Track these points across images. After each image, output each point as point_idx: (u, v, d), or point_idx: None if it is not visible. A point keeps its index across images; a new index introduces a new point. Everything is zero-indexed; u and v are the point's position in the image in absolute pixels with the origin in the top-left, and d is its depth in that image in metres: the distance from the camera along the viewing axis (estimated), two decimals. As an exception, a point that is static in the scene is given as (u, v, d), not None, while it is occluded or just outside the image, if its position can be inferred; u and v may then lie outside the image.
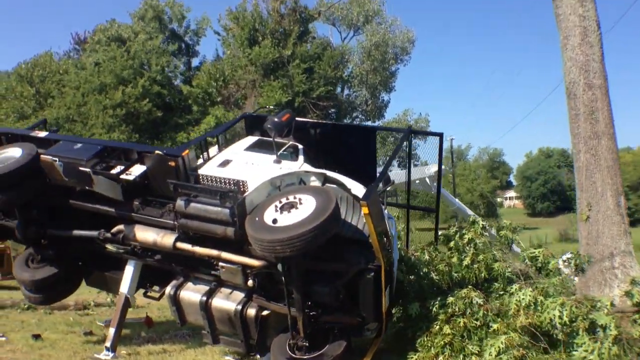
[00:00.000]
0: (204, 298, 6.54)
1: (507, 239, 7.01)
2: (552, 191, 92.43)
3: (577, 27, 8.79)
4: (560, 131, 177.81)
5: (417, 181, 9.75)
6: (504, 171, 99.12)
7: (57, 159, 6.53)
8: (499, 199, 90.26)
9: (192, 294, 6.67)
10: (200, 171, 6.61)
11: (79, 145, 7.17)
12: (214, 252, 6.17)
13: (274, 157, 6.88)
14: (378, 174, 7.81)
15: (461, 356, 5.82)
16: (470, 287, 6.33)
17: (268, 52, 33.68)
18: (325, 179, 6.31)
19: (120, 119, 32.23)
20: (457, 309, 6.11)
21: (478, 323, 5.95)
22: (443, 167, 18.52)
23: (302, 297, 5.72)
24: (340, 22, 46.29)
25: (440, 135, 7.77)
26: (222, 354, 7.92)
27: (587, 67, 8.67)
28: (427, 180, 16.28)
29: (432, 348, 5.97)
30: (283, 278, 5.69)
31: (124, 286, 7.32)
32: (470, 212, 22.28)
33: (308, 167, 6.77)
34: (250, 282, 6.12)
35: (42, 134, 7.76)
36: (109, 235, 7.03)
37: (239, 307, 6.35)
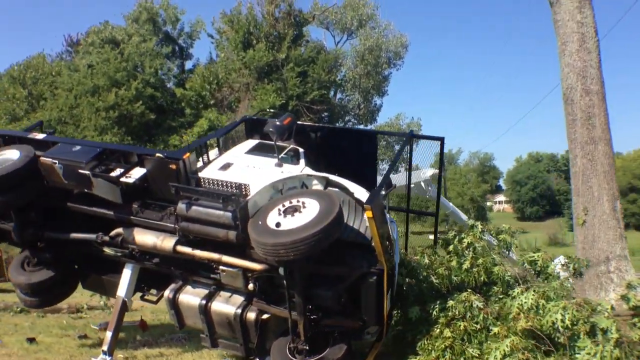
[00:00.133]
0: (204, 302, 6.50)
1: (506, 243, 7.04)
2: (541, 195, 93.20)
3: (575, 34, 8.90)
4: (550, 136, 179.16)
5: (412, 185, 9.74)
6: (494, 175, 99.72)
7: (57, 162, 6.47)
8: (488, 203, 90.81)
9: (191, 297, 6.63)
10: (201, 174, 6.59)
11: (78, 147, 7.12)
12: (214, 256, 6.15)
13: (275, 160, 6.87)
14: (378, 178, 7.84)
15: (462, 359, 5.84)
16: (469, 290, 6.35)
17: (262, 55, 33.74)
18: (328, 183, 6.31)
19: (113, 122, 32.13)
20: (457, 313, 6.12)
21: (478, 326, 5.96)
22: (437, 171, 18.61)
23: (304, 301, 5.71)
24: (334, 26, 46.43)
25: (442, 139, 7.80)
26: (219, 357, 7.90)
27: (584, 73, 8.78)
28: (422, 184, 16.35)
29: (433, 351, 5.98)
30: (285, 282, 5.67)
31: (122, 289, 7.27)
32: (464, 216, 22.33)
33: (310, 171, 6.77)
34: (250, 286, 6.08)
35: (40, 136, 7.71)
36: (107, 238, 6.98)
37: (239, 310, 6.31)
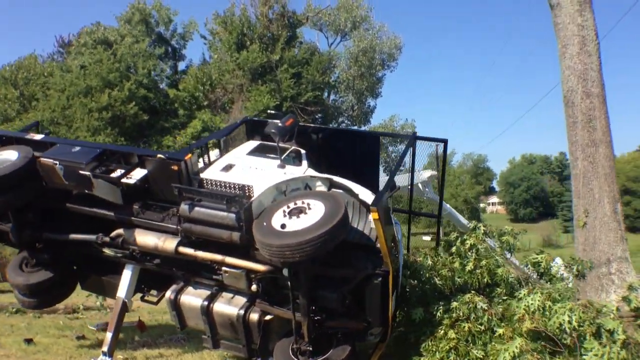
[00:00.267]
0: (206, 303, 6.47)
1: (509, 245, 7.05)
2: (534, 197, 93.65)
3: (575, 36, 8.92)
4: (544, 138, 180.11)
5: (410, 187, 9.78)
6: (488, 177, 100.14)
7: (57, 163, 6.41)
8: (482, 205, 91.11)
9: (193, 298, 6.60)
10: (203, 175, 6.55)
11: (77, 148, 7.06)
12: (217, 257, 6.11)
13: (277, 161, 6.85)
14: (380, 180, 7.83)
15: (466, 360, 5.84)
16: (473, 292, 6.35)
17: (256, 56, 33.60)
18: (331, 184, 6.29)
19: (106, 122, 31.92)
20: (461, 314, 6.13)
21: (482, 328, 5.97)
22: (435, 172, 18.63)
23: (308, 302, 5.68)
24: (328, 27, 46.32)
25: (445, 141, 7.81)
26: (220, 358, 7.87)
27: (585, 76, 8.81)
28: (420, 185, 16.40)
29: (437, 352, 5.98)
30: (289, 283, 5.64)
31: (122, 290, 7.22)
32: (461, 217, 22.41)
33: (313, 172, 6.75)
34: (254, 287, 6.06)
35: (38, 136, 7.64)
36: (107, 239, 6.93)
37: (242, 311, 6.29)
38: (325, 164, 7.46)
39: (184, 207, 5.96)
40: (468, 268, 6.70)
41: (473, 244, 6.94)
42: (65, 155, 6.78)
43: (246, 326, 6.30)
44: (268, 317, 6.29)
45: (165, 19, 40.34)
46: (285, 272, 5.64)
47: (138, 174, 6.74)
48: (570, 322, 5.12)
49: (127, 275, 7.24)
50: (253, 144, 7.66)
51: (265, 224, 5.37)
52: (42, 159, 6.56)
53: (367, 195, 6.02)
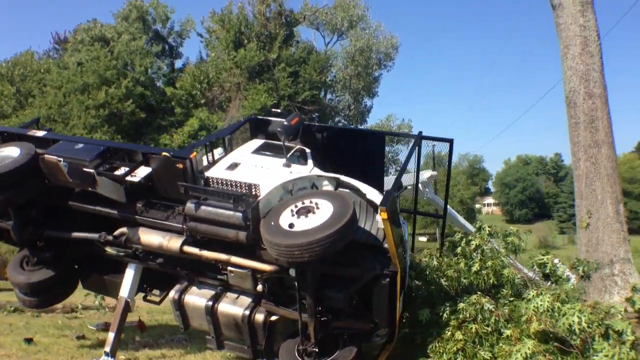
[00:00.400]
0: (210, 303, 6.42)
1: (514, 245, 7.03)
2: (530, 198, 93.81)
3: (577, 37, 8.93)
4: (540, 139, 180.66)
5: (410, 186, 9.72)
6: (483, 178, 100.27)
7: (62, 159, 6.36)
8: (477, 205, 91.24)
9: (197, 298, 6.55)
10: (208, 174, 6.52)
11: (81, 145, 7.02)
12: (223, 256, 6.07)
13: (282, 160, 6.81)
14: (385, 180, 7.80)
15: (474, 361, 5.83)
16: (479, 293, 6.33)
17: (253, 55, 33.55)
18: (338, 184, 6.26)
19: (103, 120, 31.79)
20: (468, 315, 6.11)
21: (489, 329, 5.96)
22: (435, 172, 18.64)
23: (315, 303, 5.65)
24: (324, 26, 46.26)
25: (451, 141, 7.79)
26: (223, 359, 7.83)
27: (587, 77, 8.82)
28: (420, 185, 16.36)
29: (445, 354, 5.96)
30: (296, 283, 5.60)
31: (124, 290, 7.15)
32: (461, 218, 22.40)
33: (319, 171, 6.72)
34: (259, 287, 6.02)
35: (40, 133, 7.60)
36: (110, 237, 6.87)
37: (247, 312, 6.24)
38: (329, 163, 7.42)
39: (189, 205, 5.92)
40: (474, 269, 6.68)
41: (478, 244, 6.93)
42: (68, 152, 6.73)
43: (251, 327, 6.25)
44: (273, 318, 6.25)
45: (163, 16, 40.27)
46: (292, 272, 5.60)
47: (142, 172, 6.70)
48: (579, 323, 5.12)
49: (129, 275, 7.17)
50: (258, 142, 7.62)
51: (273, 223, 5.34)
52: (46, 155, 6.51)
53: (374, 195, 5.99)
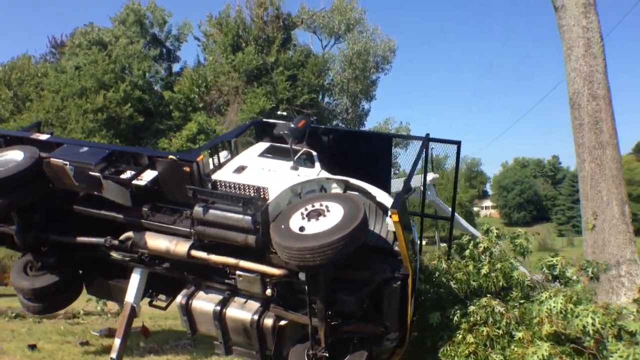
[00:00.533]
0: (218, 307, 6.35)
1: (522, 248, 7.01)
2: (528, 201, 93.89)
3: (580, 39, 8.94)
4: (538, 142, 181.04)
5: (414, 189, 9.67)
6: (481, 181, 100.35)
7: (67, 163, 6.29)
8: (475, 208, 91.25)
9: (204, 303, 6.48)
10: (216, 177, 6.47)
11: (85, 148, 6.95)
12: (231, 260, 6.00)
13: (290, 163, 6.77)
14: (392, 182, 7.77)
15: (485, 365, 5.80)
16: (489, 295, 6.31)
17: (252, 58, 33.56)
18: (347, 186, 6.22)
19: (101, 124, 31.74)
20: (478, 318, 6.08)
21: (500, 332, 5.93)
22: (437, 175, 18.61)
23: (326, 307, 5.61)
24: (321, 30, 46.36)
25: (458, 143, 7.76)
26: (230, 364, 7.77)
27: (591, 78, 8.82)
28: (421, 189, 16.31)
29: (456, 357, 5.94)
30: (306, 287, 5.55)
31: (130, 295, 7.08)
32: (463, 221, 22.39)
33: (327, 174, 6.68)
34: (268, 291, 5.96)
35: (44, 136, 7.53)
36: (116, 242, 6.80)
37: (256, 316, 6.17)
38: (336, 165, 7.38)
39: (198, 209, 5.86)
40: (483, 271, 6.65)
41: (487, 247, 6.91)
42: (74, 155, 6.66)
43: (260, 332, 6.19)
44: (282, 323, 6.20)
45: (160, 20, 40.32)
46: (301, 275, 5.55)
47: (148, 175, 6.63)
48: (593, 325, 5.10)
49: (135, 280, 7.09)
50: (263, 145, 7.57)
51: (283, 226, 5.29)
52: (52, 159, 6.44)
53: (384, 198, 5.96)
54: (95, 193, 6.50)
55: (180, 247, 6.30)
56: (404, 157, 7.94)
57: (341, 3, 44.05)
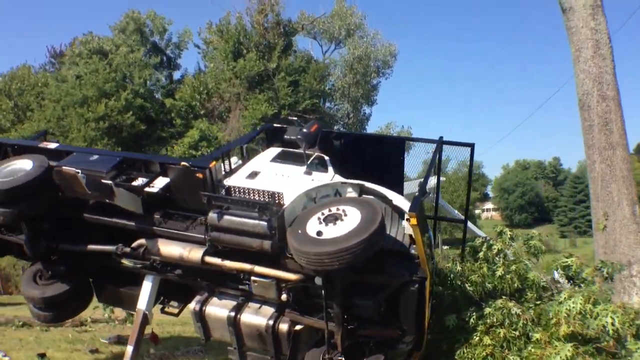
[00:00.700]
0: (232, 313, 6.31)
1: (536, 249, 7.01)
2: (529, 203, 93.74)
3: (589, 40, 8.95)
4: (539, 144, 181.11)
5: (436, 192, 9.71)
6: (482, 183, 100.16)
7: (80, 171, 6.28)
8: (477, 211, 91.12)
9: (218, 309, 6.45)
10: (229, 183, 6.46)
11: (95, 156, 6.92)
12: (246, 266, 5.98)
13: (302, 168, 6.76)
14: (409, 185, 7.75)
15: (503, 366, 5.79)
16: (505, 297, 6.30)
17: (253, 65, 33.65)
18: (362, 190, 6.21)
19: (103, 132, 31.79)
20: (495, 320, 6.07)
21: (517, 333, 5.92)
22: (443, 178, 18.55)
23: (342, 311, 5.58)
24: (322, 35, 46.42)
25: (472, 145, 7.77)
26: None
27: (600, 79, 8.83)
28: (428, 190, 16.31)
29: (473, 359, 5.91)
30: (323, 292, 5.53)
31: (142, 302, 7.05)
32: (470, 224, 22.30)
33: (341, 178, 6.67)
34: (284, 296, 5.94)
35: (52, 145, 7.52)
36: (127, 249, 6.78)
37: (271, 322, 6.14)
38: (348, 169, 7.36)
39: (212, 215, 5.84)
40: (498, 273, 6.65)
41: (500, 249, 6.91)
42: (85, 164, 6.63)
43: (275, 337, 6.15)
44: (298, 327, 6.17)
45: (160, 28, 40.48)
46: (317, 280, 5.53)
47: (160, 182, 6.63)
48: (613, 324, 5.09)
49: (147, 287, 7.06)
50: (275, 150, 7.57)
51: (300, 231, 5.28)
52: (64, 167, 6.43)
53: (400, 201, 5.95)
54: (107, 201, 6.49)
55: (194, 253, 6.27)
56: (406, 161, 7.93)
57: (341, 8, 44.11)
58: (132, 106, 33.05)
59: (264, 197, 6.04)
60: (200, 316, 6.51)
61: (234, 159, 7.62)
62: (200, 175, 6.24)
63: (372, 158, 7.87)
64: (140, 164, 6.93)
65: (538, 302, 6.41)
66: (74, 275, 7.61)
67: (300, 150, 7.16)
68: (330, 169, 7.09)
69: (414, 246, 5.56)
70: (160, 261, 6.72)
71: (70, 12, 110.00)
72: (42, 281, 7.71)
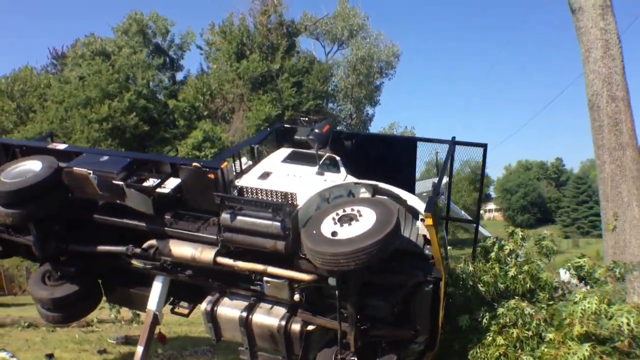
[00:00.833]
0: (244, 314, 6.29)
1: (548, 250, 7.00)
2: (532, 203, 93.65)
3: (599, 40, 8.93)
4: (542, 145, 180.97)
5: (425, 193, 9.62)
6: (485, 183, 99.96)
7: (91, 172, 6.27)
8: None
9: (230, 310, 6.43)
10: (241, 183, 6.44)
11: (105, 157, 6.91)
12: (259, 267, 5.96)
13: (314, 168, 6.75)
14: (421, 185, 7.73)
15: (516, 366, 5.78)
16: (517, 297, 6.29)
17: (256, 66, 33.64)
18: (375, 191, 6.20)
19: (106, 133, 31.81)
20: (508, 320, 6.06)
21: (530, 333, 5.91)
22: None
23: (356, 311, 5.57)
24: (324, 36, 46.42)
25: (485, 146, 7.77)
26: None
27: (609, 80, 8.81)
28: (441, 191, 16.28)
29: (486, 359, 5.91)
30: (337, 292, 5.51)
31: (152, 303, 7.04)
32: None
33: (353, 179, 6.66)
34: (296, 297, 5.93)
35: (61, 146, 7.51)
36: (138, 250, 6.76)
37: (283, 322, 6.12)
38: (359, 170, 7.35)
39: (225, 216, 5.83)
40: (510, 274, 6.64)
41: (512, 249, 6.90)
42: (95, 164, 6.61)
43: (287, 337, 6.13)
44: (310, 328, 6.15)
45: (163, 29, 40.47)
46: (331, 280, 5.52)
47: (171, 183, 6.61)
48: (628, 324, 5.09)
49: (157, 287, 7.05)
50: (286, 151, 7.55)
51: (315, 232, 5.26)
52: (75, 168, 6.42)
53: (415, 202, 5.94)
54: (118, 201, 6.48)
55: (206, 254, 6.25)
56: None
57: (344, 9, 44.13)
58: (135, 107, 33.06)
59: (276, 197, 6.02)
60: (211, 317, 6.50)
61: (243, 160, 7.63)
62: (212, 176, 6.22)
63: (383, 158, 7.86)
64: (150, 165, 6.92)
65: (550, 303, 6.40)
66: (84, 276, 7.60)
67: (311, 151, 7.15)
68: (342, 169, 7.08)
69: (428, 246, 5.55)
70: (171, 262, 6.71)
71: (70, 13, 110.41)
72: (51, 282, 7.69)
